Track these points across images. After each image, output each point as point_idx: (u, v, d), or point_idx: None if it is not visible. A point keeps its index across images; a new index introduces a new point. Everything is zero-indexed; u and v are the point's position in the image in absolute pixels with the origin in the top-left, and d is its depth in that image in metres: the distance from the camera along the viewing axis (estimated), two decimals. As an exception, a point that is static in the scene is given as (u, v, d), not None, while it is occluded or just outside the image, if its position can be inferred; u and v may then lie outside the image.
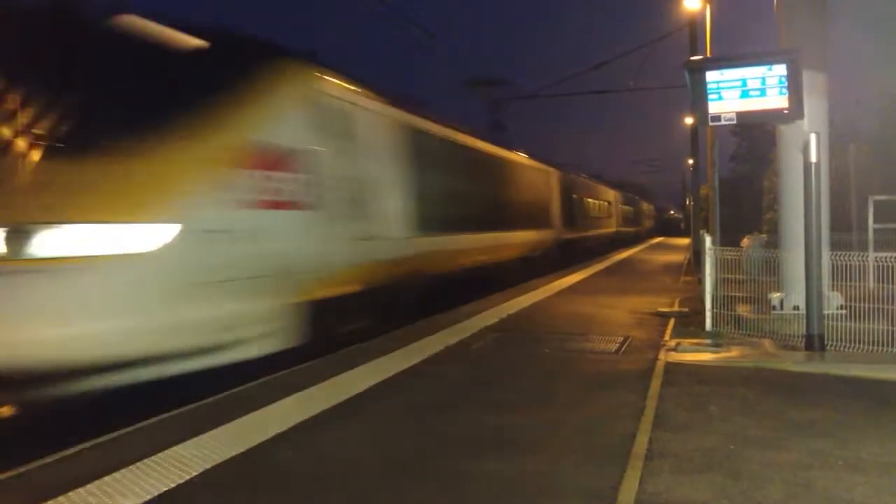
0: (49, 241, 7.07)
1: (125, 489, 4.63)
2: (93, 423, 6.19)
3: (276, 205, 8.79)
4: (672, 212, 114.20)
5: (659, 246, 48.11)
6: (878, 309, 8.57)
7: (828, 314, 8.82)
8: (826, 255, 8.93)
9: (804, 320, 8.70)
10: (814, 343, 8.52)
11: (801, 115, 9.38)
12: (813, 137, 8.49)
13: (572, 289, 17.45)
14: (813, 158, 8.46)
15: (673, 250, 39.42)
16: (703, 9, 21.24)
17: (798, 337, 8.89)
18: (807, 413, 6.17)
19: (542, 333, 10.65)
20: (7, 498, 4.61)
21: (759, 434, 5.58)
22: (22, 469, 5.05)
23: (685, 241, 48.08)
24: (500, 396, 6.99)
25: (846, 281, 9.03)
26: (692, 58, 18.37)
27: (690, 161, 36.08)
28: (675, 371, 7.89)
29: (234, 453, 5.31)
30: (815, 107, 9.56)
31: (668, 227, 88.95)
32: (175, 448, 5.42)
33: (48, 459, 5.25)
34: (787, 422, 5.92)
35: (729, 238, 16.61)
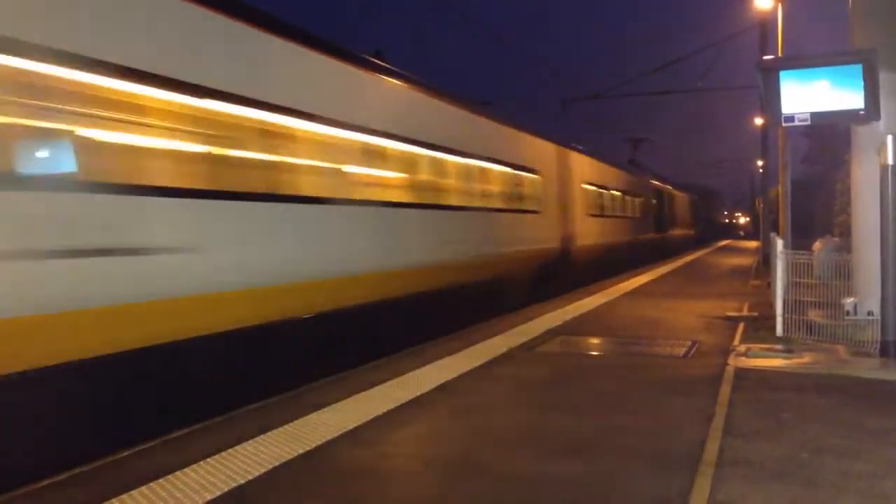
0: None
1: (189, 487, 4.75)
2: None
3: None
4: (739, 214, 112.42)
5: (726, 248, 47.36)
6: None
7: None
8: (903, 259, 8.68)
9: (879, 326, 8.51)
10: (889, 349, 8.33)
11: (876, 116, 9.12)
12: (889, 139, 8.30)
13: (638, 291, 17.31)
14: (890, 161, 8.26)
15: (740, 253, 38.76)
16: (775, 8, 20.80)
17: (872, 343, 8.70)
18: (882, 421, 6.02)
19: (608, 337, 10.59)
20: (79, 492, 4.74)
21: (833, 442, 5.46)
22: (94, 465, 5.20)
23: (753, 244, 47.26)
24: (566, 400, 6.97)
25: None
26: (765, 58, 18.03)
27: (760, 162, 35.41)
28: (745, 377, 7.77)
29: (301, 451, 5.41)
30: (891, 107, 9.28)
31: (735, 230, 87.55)
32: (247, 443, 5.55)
33: (120, 455, 5.41)
34: (862, 430, 5.78)
35: (800, 241, 16.30)
